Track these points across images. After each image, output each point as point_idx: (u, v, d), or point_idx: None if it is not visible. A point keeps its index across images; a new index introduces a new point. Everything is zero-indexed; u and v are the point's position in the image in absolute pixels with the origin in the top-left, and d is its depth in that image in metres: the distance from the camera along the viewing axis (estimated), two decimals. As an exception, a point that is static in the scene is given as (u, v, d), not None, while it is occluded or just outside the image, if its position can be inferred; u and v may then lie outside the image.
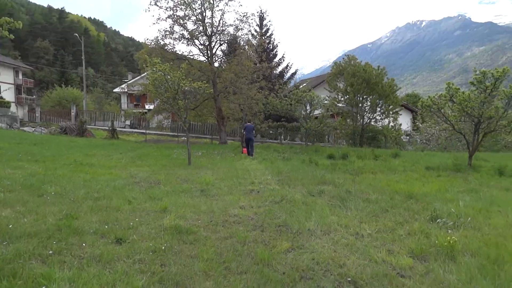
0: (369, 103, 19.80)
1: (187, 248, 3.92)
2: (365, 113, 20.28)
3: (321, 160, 13.11)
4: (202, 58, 23.02)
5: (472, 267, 3.65)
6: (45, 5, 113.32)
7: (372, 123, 20.79)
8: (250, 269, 3.46)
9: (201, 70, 21.46)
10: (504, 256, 3.93)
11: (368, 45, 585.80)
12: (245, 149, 16.52)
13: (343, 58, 21.75)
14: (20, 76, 52.90)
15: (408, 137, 26.91)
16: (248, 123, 18.39)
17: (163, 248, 3.83)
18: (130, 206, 5.59)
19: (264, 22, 35.58)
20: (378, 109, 20.14)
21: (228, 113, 24.11)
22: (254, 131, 18.14)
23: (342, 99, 21.06)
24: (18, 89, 51.59)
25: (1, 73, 48.22)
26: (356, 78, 19.17)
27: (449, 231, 5.02)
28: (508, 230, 4.98)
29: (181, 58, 21.63)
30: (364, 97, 20.09)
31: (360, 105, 19.96)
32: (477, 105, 11.22)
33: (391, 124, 22.79)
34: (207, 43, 22.23)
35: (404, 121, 29.50)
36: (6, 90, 46.74)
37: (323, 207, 6.11)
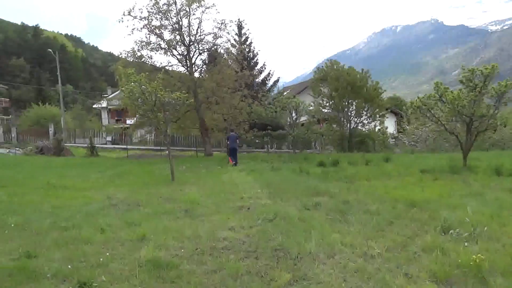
0: (354, 107, 19.45)
1: (167, 290, 3.23)
2: (352, 117, 19.93)
3: (311, 169, 12.54)
4: (182, 69, 22.37)
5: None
6: (19, 23, 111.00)
7: (359, 127, 20.46)
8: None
9: (180, 81, 20.71)
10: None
11: (347, 51, 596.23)
12: (231, 159, 16.38)
13: (325, 63, 21.44)
14: (-5, 96, 51.04)
15: (394, 140, 26.72)
16: (232, 133, 18.12)
17: (137, 292, 3.13)
18: (102, 236, 4.83)
19: (243, 31, 35.25)
20: (364, 113, 19.82)
21: (211, 124, 23.36)
22: (238, 141, 17.75)
23: (327, 104, 20.68)
24: (-8, 109, 49.71)
25: (-27, 94, 46.41)
26: (340, 82, 18.83)
27: (466, 243, 4.46)
28: (532, 239, 4.45)
29: (159, 69, 20.88)
30: (350, 101, 19.76)
31: (346, 109, 19.60)
32: (467, 104, 10.88)
33: (378, 127, 22.54)
34: (186, 52, 21.55)
35: (390, 124, 29.38)
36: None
37: (322, 223, 5.50)
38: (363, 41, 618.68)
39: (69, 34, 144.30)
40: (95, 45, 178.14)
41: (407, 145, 22.30)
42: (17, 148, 26.67)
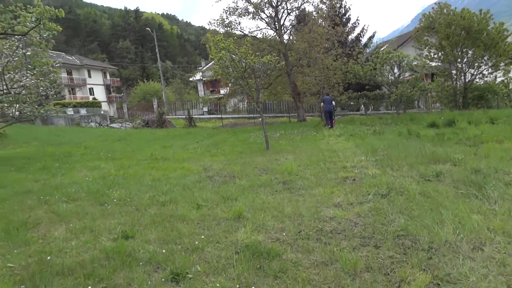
0: (471, 57, 16.33)
1: (270, 288, 2.67)
2: (467, 69, 16.87)
3: (422, 131, 10.91)
4: (271, 32, 21.41)
5: None
6: (122, 8, 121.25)
7: (477, 79, 17.31)
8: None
9: (270, 44, 19.90)
10: None
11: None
12: (333, 121, 16.21)
13: (432, 8, 18.29)
14: (108, 77, 57.22)
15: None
16: (326, 96, 17.59)
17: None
18: (198, 213, 4.54)
19: (333, -16, 32.42)
20: (484, 62, 16.59)
21: (304, 88, 22.26)
22: (333, 103, 16.91)
23: (436, 56, 17.82)
24: (107, 88, 55.92)
25: (92, 76, 52.66)
26: (453, 28, 15.88)
27: None
28: None
29: (248, 35, 20.38)
30: (465, 50, 16.69)
31: (459, 60, 16.62)
32: None
33: (501, 78, 18.91)
34: (274, 14, 20.49)
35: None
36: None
37: (453, 199, 4.40)
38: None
39: (165, 13, 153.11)
40: (188, 21, 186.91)
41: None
42: (127, 122, 29.48)
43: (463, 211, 3.94)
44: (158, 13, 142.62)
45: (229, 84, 20.04)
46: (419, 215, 3.93)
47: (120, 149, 12.99)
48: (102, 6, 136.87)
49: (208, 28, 21.27)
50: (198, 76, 48.14)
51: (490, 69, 16.89)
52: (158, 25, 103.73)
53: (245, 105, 33.89)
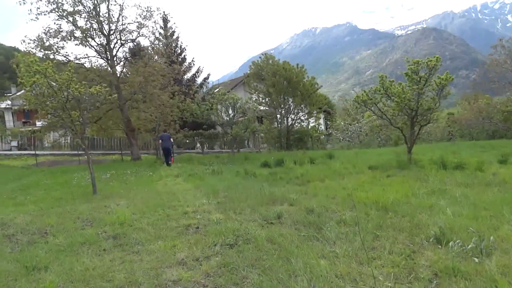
0: (291, 104, 18.78)
1: None
2: (289, 114, 19.26)
3: (257, 170, 11.44)
4: (102, 62, 19.53)
5: None
6: None
7: (297, 124, 19.91)
8: None
9: (100, 75, 18.02)
10: None
11: (271, 51, 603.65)
12: (172, 159, 16.22)
13: (260, 57, 20.48)
14: None
15: (326, 136, 26.95)
16: (164, 132, 17.58)
17: None
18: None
19: (169, 25, 32.84)
20: (301, 109, 19.29)
21: (139, 124, 20.86)
22: (171, 140, 16.82)
23: (263, 101, 19.77)
24: None
25: None
26: (277, 77, 18.01)
27: (476, 259, 3.69)
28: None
29: (73, 61, 18.06)
30: (287, 97, 19.08)
31: (283, 106, 18.86)
32: (413, 97, 10.69)
33: (312, 124, 22.34)
34: (105, 42, 18.88)
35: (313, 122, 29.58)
36: None
37: (298, 244, 4.36)
38: (286, 41, 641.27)
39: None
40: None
41: (341, 141, 22.44)
42: None
43: (309, 256, 3.87)
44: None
45: (47, 116, 16.97)
46: (271, 267, 3.65)
47: None
48: None
49: (22, 50, 17.74)
50: (5, 104, 40.22)
51: (306, 116, 19.70)
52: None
53: (68, 140, 29.63)
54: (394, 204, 6.14)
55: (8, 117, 45.00)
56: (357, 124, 22.24)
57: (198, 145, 30.93)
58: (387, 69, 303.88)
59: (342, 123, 23.09)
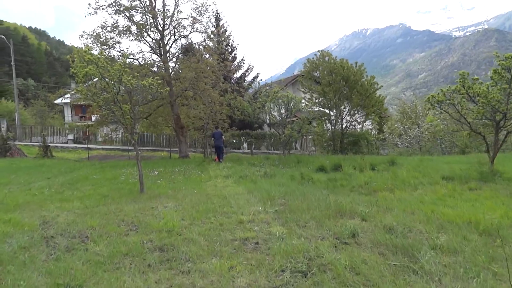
0: (349, 105, 17.46)
1: None
2: (344, 116, 17.96)
3: (313, 175, 10.40)
4: (155, 57, 19.45)
5: None
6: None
7: (352, 126, 18.55)
8: None
9: (153, 70, 17.89)
10: None
11: (318, 53, 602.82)
12: (217, 158, 16.25)
13: (315, 55, 19.34)
14: None
15: (381, 141, 25.17)
16: (217, 130, 17.45)
17: None
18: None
19: (221, 23, 32.67)
20: (358, 110, 17.92)
21: (187, 122, 20.63)
22: (223, 138, 16.92)
23: (317, 101, 18.62)
24: None
25: None
26: (334, 76, 16.81)
27: None
28: None
29: (128, 57, 18.08)
30: (342, 98, 17.79)
31: (339, 107, 17.59)
32: (502, 98, 9.10)
33: (369, 127, 20.83)
34: (159, 37, 18.78)
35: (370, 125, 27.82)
36: None
37: (390, 277, 3.33)
38: (334, 43, 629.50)
39: (33, 27, 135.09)
40: (61, 39, 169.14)
41: (399, 146, 20.69)
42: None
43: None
44: (24, 26, 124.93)
45: (101, 109, 17.10)
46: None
47: None
48: None
49: (81, 45, 18.06)
50: (65, 99, 42.29)
51: (363, 118, 18.27)
52: (22, 38, 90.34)
53: (120, 135, 30.34)
54: (494, 227, 4.91)
55: (67, 112, 47.36)
56: (417, 129, 20.36)
57: (245, 145, 30.34)
58: (441, 73, 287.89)
59: (402, 127, 21.30)
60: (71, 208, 6.58)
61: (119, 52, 17.89)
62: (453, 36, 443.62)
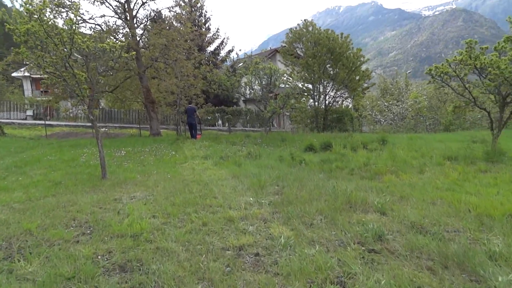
0: (335, 79, 16.26)
1: None
2: (329, 91, 16.81)
3: (303, 155, 9.26)
4: (120, 23, 17.26)
5: None
6: None
7: (335, 103, 17.48)
8: None
9: (116, 36, 15.88)
10: None
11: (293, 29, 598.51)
12: (198, 136, 15.45)
13: (298, 24, 17.89)
14: None
15: (363, 117, 24.41)
16: (190, 105, 16.29)
17: None
18: None
19: (193, -10, 30.29)
20: (343, 85, 16.81)
21: (158, 97, 18.82)
22: (196, 114, 15.71)
23: (299, 75, 17.32)
24: None
25: None
26: (319, 47, 15.50)
27: None
28: None
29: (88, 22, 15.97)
30: (326, 71, 16.59)
31: (323, 81, 16.39)
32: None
33: (348, 104, 19.91)
34: (124, 0, 16.63)
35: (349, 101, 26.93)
36: None
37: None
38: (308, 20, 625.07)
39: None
40: (19, 8, 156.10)
41: (382, 123, 19.95)
42: None
43: None
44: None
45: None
46: None
47: None
48: None
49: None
50: (23, 72, 38.80)
51: (348, 93, 17.24)
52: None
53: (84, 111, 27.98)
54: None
55: (27, 86, 43.87)
56: (401, 105, 19.62)
57: (220, 122, 28.88)
58: (411, 51, 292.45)
59: (386, 103, 20.48)
60: (8, 201, 5.13)
61: (79, 16, 15.68)
62: (422, 15, 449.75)
